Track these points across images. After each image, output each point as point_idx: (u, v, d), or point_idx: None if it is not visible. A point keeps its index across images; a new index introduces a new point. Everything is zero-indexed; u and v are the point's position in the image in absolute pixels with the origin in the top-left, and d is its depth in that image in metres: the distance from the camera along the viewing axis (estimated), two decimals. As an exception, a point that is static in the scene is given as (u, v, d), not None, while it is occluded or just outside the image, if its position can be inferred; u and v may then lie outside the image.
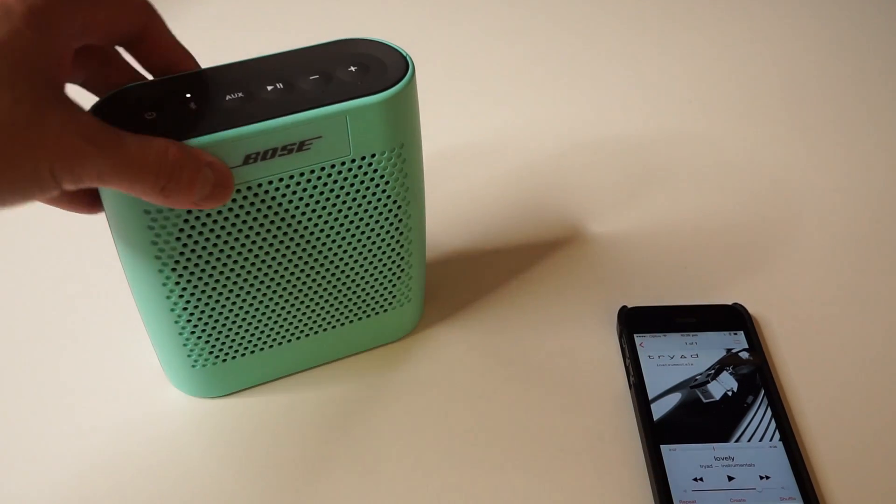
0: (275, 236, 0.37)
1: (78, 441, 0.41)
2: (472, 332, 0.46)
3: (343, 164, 0.36)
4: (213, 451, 0.40)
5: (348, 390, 0.43)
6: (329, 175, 0.36)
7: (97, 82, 0.35)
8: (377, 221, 0.39)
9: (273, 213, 0.36)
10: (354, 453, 0.40)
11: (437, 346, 0.45)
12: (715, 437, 0.39)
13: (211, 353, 0.40)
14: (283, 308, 0.40)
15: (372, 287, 0.42)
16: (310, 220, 0.37)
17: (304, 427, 0.41)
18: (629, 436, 0.40)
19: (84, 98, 0.35)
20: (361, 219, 0.38)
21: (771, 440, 0.39)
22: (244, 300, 0.38)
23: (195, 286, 0.37)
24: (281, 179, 0.35)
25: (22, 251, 0.52)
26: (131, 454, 0.40)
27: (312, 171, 0.35)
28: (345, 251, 0.39)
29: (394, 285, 0.42)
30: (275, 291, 0.39)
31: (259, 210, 0.35)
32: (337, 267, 0.40)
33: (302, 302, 0.40)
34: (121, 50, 0.35)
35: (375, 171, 0.37)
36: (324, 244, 0.38)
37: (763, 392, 0.41)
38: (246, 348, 0.41)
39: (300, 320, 0.41)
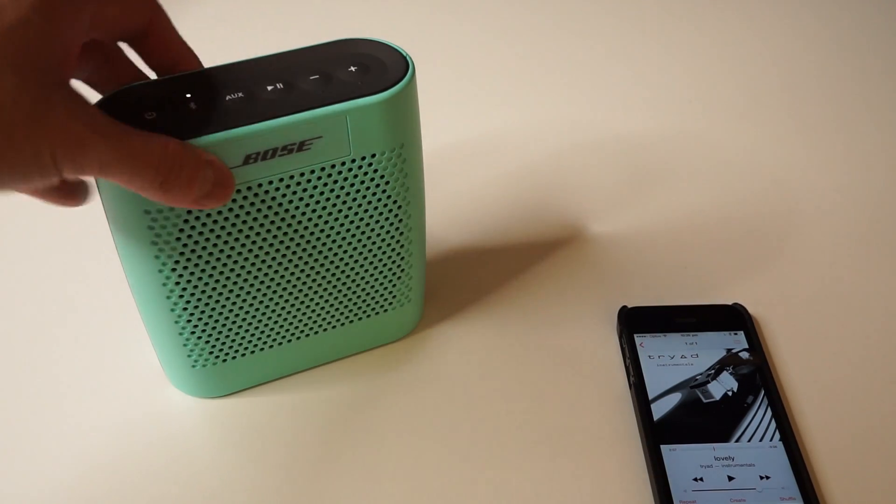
0: (275, 236, 0.37)
1: (78, 441, 0.41)
2: (472, 332, 0.46)
3: (343, 164, 0.36)
4: (213, 451, 0.40)
5: (348, 390, 0.43)
6: (329, 175, 0.36)
7: (100, 79, 0.35)
8: (377, 221, 0.39)
9: (273, 213, 0.36)
10: (355, 453, 0.40)
11: (437, 346, 0.45)
12: (715, 437, 0.39)
13: (211, 353, 0.40)
14: (283, 308, 0.40)
15: (372, 287, 0.42)
16: (310, 220, 0.37)
17: (305, 427, 0.41)
18: (629, 436, 0.40)
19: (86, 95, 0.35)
20: (361, 219, 0.38)
21: (771, 440, 0.39)
22: (244, 300, 0.38)
23: (195, 286, 0.37)
24: (281, 179, 0.35)
25: (22, 251, 0.52)
26: (131, 454, 0.40)
27: (312, 171, 0.35)
28: (345, 251, 0.39)
29: (394, 285, 0.42)
30: (275, 291, 0.39)
31: (259, 210, 0.35)
32: (337, 267, 0.40)
33: (302, 302, 0.40)
34: (124, 47, 0.35)
35: (375, 171, 0.37)
36: (324, 244, 0.38)
37: (763, 392, 0.41)
38: (246, 348, 0.41)
39: (300, 320, 0.41)
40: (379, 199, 0.38)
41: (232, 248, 0.36)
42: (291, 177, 0.35)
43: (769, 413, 0.40)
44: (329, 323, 0.42)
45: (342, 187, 0.37)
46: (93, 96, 0.34)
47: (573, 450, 0.40)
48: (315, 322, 0.42)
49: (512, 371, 0.44)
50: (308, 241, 0.38)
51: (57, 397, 0.43)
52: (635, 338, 0.44)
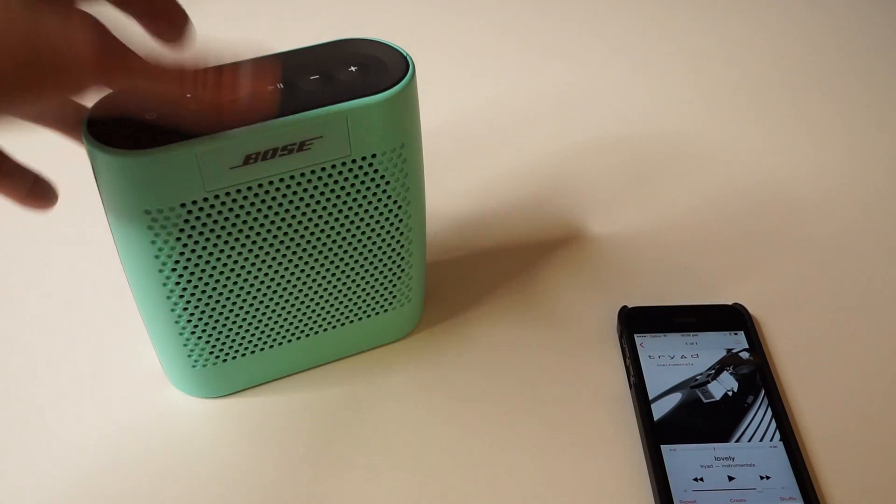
0: (275, 236, 0.37)
1: (78, 441, 0.41)
2: (471, 332, 0.46)
3: (343, 164, 0.36)
4: (213, 451, 0.40)
5: (348, 390, 0.43)
6: (329, 175, 0.36)
7: None
8: (377, 221, 0.39)
9: (273, 213, 0.36)
10: (355, 453, 0.40)
11: (437, 346, 0.45)
12: (715, 437, 0.39)
13: (211, 353, 0.40)
14: (283, 308, 0.40)
15: (372, 287, 0.42)
16: (310, 220, 0.37)
17: (305, 427, 0.41)
18: (629, 436, 0.40)
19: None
20: (361, 219, 0.38)
21: (771, 440, 0.39)
22: (244, 300, 0.38)
23: (195, 286, 0.37)
24: (281, 179, 0.35)
25: (22, 251, 0.52)
26: (131, 454, 0.40)
27: (312, 171, 0.35)
28: (345, 251, 0.39)
29: (394, 285, 0.42)
30: (275, 291, 0.39)
31: (259, 210, 0.35)
32: (337, 267, 0.40)
33: (302, 302, 0.40)
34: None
35: (375, 171, 0.37)
36: (324, 244, 0.38)
37: (763, 392, 0.41)
38: (246, 348, 0.41)
39: (300, 320, 0.41)
40: (379, 199, 0.38)
41: (232, 248, 0.36)
42: (291, 177, 0.35)
43: (769, 413, 0.40)
44: (329, 323, 0.42)
45: (342, 187, 0.37)
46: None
47: (573, 450, 0.40)
48: (315, 322, 0.41)
49: (512, 371, 0.44)
50: (308, 241, 0.38)
51: (57, 397, 0.43)
52: (635, 338, 0.44)
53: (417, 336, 0.46)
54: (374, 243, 0.40)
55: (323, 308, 0.41)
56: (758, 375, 0.42)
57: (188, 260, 0.35)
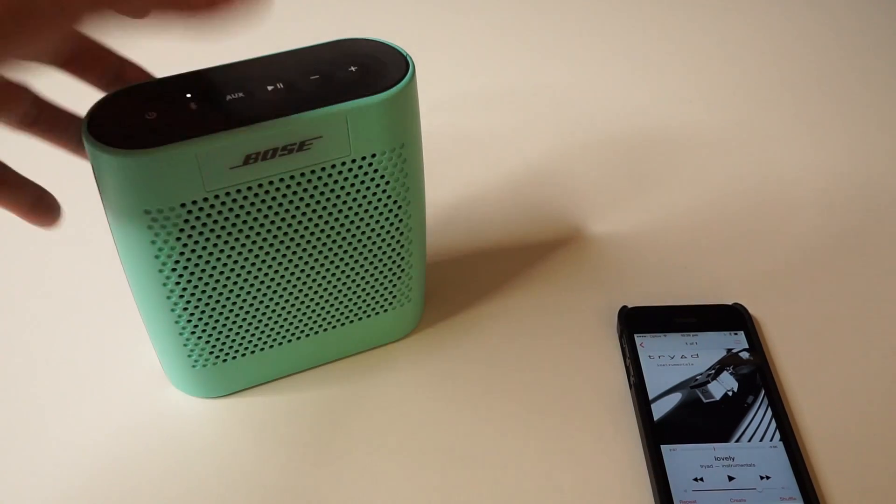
0: (275, 236, 0.37)
1: (78, 441, 0.41)
2: (471, 332, 0.46)
3: (343, 164, 0.36)
4: (213, 451, 0.40)
5: (348, 390, 0.43)
6: (329, 175, 0.36)
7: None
8: (377, 221, 0.39)
9: (273, 213, 0.36)
10: (355, 453, 0.40)
11: (437, 346, 0.45)
12: (715, 437, 0.39)
13: (211, 353, 0.40)
14: (283, 308, 0.40)
15: (372, 287, 0.42)
16: (310, 220, 0.37)
17: (305, 427, 0.41)
18: (629, 436, 0.40)
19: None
20: (361, 219, 0.38)
21: (771, 440, 0.39)
22: (244, 300, 0.38)
23: (195, 286, 0.37)
24: (281, 179, 0.35)
25: (22, 251, 0.52)
26: (131, 454, 0.40)
27: (312, 171, 0.35)
28: (345, 251, 0.39)
29: (394, 285, 0.42)
30: (275, 291, 0.39)
31: (259, 210, 0.35)
32: (337, 267, 0.40)
33: (302, 302, 0.40)
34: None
35: (375, 171, 0.37)
36: (324, 244, 0.38)
37: (763, 392, 0.41)
38: (246, 348, 0.41)
39: (300, 320, 0.41)
40: (379, 199, 0.38)
41: (232, 248, 0.36)
42: (291, 177, 0.35)
43: (769, 413, 0.40)
44: (329, 323, 0.42)
45: (342, 187, 0.37)
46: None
47: (573, 450, 0.40)
48: (315, 322, 0.42)
49: (511, 371, 0.44)
50: (308, 241, 0.38)
51: (57, 397, 0.43)
52: (635, 338, 0.44)
53: (418, 336, 0.46)
54: (374, 243, 0.40)
55: (323, 308, 0.41)
56: (758, 375, 0.42)
57: (188, 260, 0.35)
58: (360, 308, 0.42)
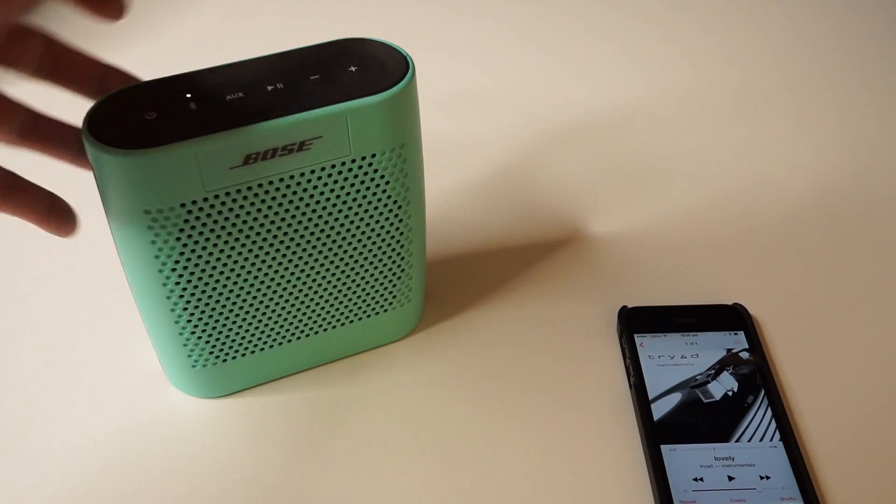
0: (275, 236, 0.37)
1: (78, 441, 0.41)
2: (471, 332, 0.46)
3: (343, 164, 0.36)
4: (213, 451, 0.40)
5: (348, 390, 0.43)
6: (329, 175, 0.36)
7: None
8: (377, 221, 0.39)
9: (273, 213, 0.36)
10: (355, 453, 0.40)
11: (436, 346, 0.45)
12: (715, 437, 0.39)
13: (211, 353, 0.40)
14: (283, 308, 0.40)
15: (372, 287, 0.42)
16: (310, 220, 0.37)
17: (305, 427, 0.41)
18: (629, 436, 0.40)
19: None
20: (361, 219, 0.38)
21: (771, 440, 0.39)
22: (244, 300, 0.38)
23: (195, 286, 0.37)
24: (281, 179, 0.35)
25: (22, 251, 0.52)
26: (131, 454, 0.40)
27: (312, 171, 0.35)
28: (345, 251, 0.39)
29: (394, 285, 0.42)
30: (275, 291, 0.39)
31: (259, 210, 0.35)
32: (337, 267, 0.40)
33: (302, 302, 0.40)
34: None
35: (375, 171, 0.37)
36: (324, 244, 0.38)
37: (763, 392, 0.41)
38: (246, 348, 0.41)
39: (300, 320, 0.41)
40: (379, 199, 0.38)
41: (232, 248, 0.36)
42: (291, 177, 0.35)
43: (769, 413, 0.40)
44: (329, 323, 0.42)
45: (342, 187, 0.37)
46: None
47: (573, 450, 0.40)
48: (315, 322, 0.42)
49: (512, 371, 0.44)
50: (308, 241, 0.38)
51: (57, 397, 0.43)
52: (635, 338, 0.44)
53: (417, 336, 0.46)
54: (374, 243, 0.40)
55: (323, 308, 0.41)
56: (758, 375, 0.42)
57: (188, 260, 0.35)
58: (359, 308, 0.42)
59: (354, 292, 0.41)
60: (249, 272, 0.37)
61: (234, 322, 0.39)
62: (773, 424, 0.40)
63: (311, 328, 0.42)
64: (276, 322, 0.40)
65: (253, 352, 0.41)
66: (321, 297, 0.40)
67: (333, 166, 0.36)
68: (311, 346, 0.43)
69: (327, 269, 0.39)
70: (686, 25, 0.74)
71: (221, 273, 0.37)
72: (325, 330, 0.42)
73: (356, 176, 0.36)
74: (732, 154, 0.59)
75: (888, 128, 0.61)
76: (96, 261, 0.50)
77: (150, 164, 0.32)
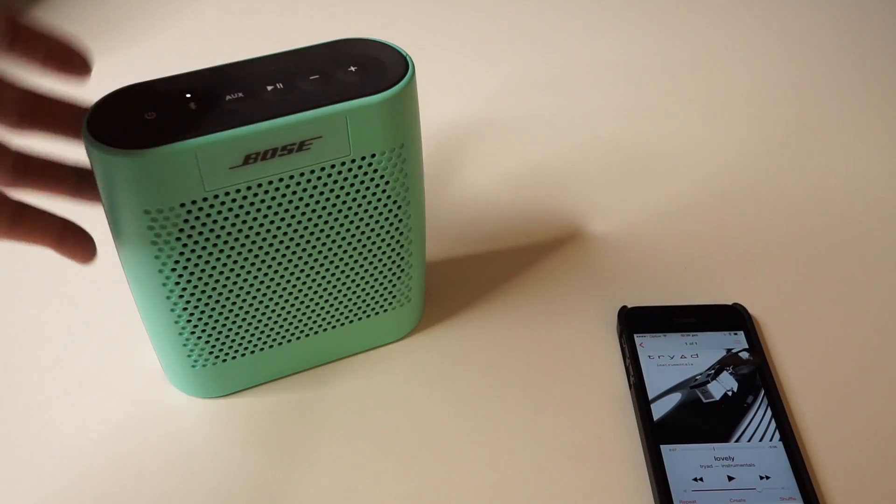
0: (275, 236, 0.37)
1: (77, 441, 0.41)
2: (471, 332, 0.46)
3: (343, 164, 0.36)
4: (212, 450, 0.40)
5: (348, 390, 0.43)
6: (329, 175, 0.36)
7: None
8: (377, 221, 0.39)
9: (273, 213, 0.36)
10: (354, 453, 0.40)
11: (436, 346, 0.45)
12: (715, 437, 0.39)
13: (211, 353, 0.40)
14: (283, 308, 0.40)
15: (372, 287, 0.42)
16: (310, 220, 0.37)
17: (304, 427, 0.41)
18: (629, 436, 0.40)
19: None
20: (361, 219, 0.38)
21: (771, 440, 0.39)
22: (244, 300, 0.38)
23: (195, 286, 0.37)
24: (281, 179, 0.35)
25: (21, 251, 0.52)
26: (131, 454, 0.40)
27: (312, 171, 0.35)
28: (345, 251, 0.39)
29: (394, 285, 0.42)
30: (275, 291, 0.39)
31: (259, 210, 0.35)
32: (337, 267, 0.40)
33: (302, 302, 0.40)
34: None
35: (375, 171, 0.37)
36: (324, 244, 0.38)
37: (763, 392, 0.41)
38: (246, 348, 0.41)
39: (300, 320, 0.41)
40: (379, 199, 0.38)
41: (232, 248, 0.36)
42: (291, 177, 0.35)
43: (769, 413, 0.40)
44: (329, 323, 0.42)
45: (342, 187, 0.37)
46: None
47: (573, 450, 0.40)
48: (315, 322, 0.42)
49: (512, 371, 0.44)
50: (308, 241, 0.38)
51: (57, 397, 0.43)
52: (635, 338, 0.44)
53: (417, 336, 0.46)
54: (374, 243, 0.40)
55: (323, 308, 0.41)
56: (757, 375, 0.42)
57: (188, 260, 0.35)
58: (359, 308, 0.42)
59: (354, 292, 0.41)
60: (249, 272, 0.37)
61: (234, 322, 0.39)
62: (773, 424, 0.40)
63: (311, 328, 0.42)
64: (275, 322, 0.40)
65: (253, 352, 0.41)
66: (321, 297, 0.40)
67: (333, 166, 0.36)
68: (310, 346, 0.43)
69: (327, 269, 0.39)
70: (688, 25, 0.74)
71: (221, 273, 0.37)
72: (325, 330, 0.42)
73: (356, 176, 0.36)
74: (733, 154, 0.59)
75: (887, 127, 0.61)
76: (97, 261, 0.50)
77: (149, 164, 0.32)
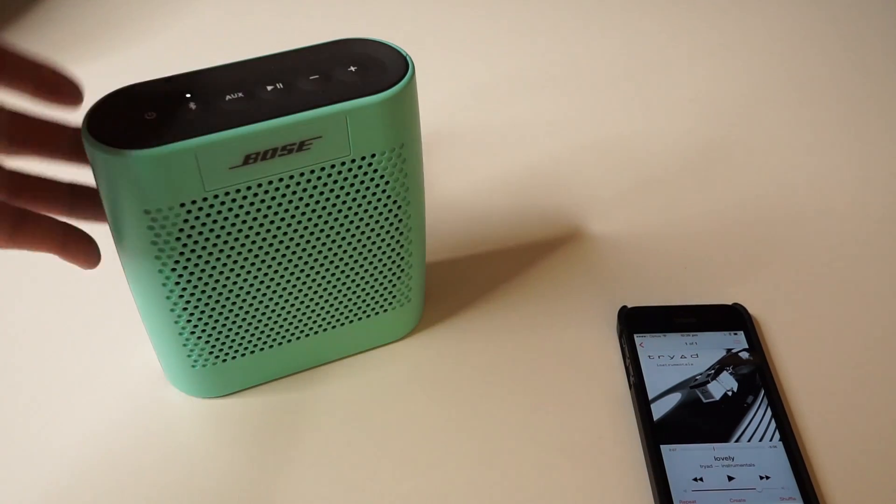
0: (274, 236, 0.37)
1: (77, 441, 0.41)
2: (471, 332, 0.46)
3: (343, 164, 0.36)
4: (212, 450, 0.40)
5: (348, 390, 0.43)
6: (329, 175, 0.36)
7: None
8: (377, 221, 0.39)
9: (273, 213, 0.36)
10: (354, 453, 0.40)
11: (436, 346, 0.45)
12: (715, 437, 0.39)
13: (211, 353, 0.40)
14: (282, 308, 0.40)
15: (372, 287, 0.42)
16: (310, 220, 0.37)
17: (304, 427, 0.41)
18: (629, 436, 0.40)
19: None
20: (361, 219, 0.38)
21: (771, 440, 0.39)
22: (244, 300, 0.38)
23: (195, 286, 0.37)
24: (281, 179, 0.35)
25: (21, 251, 0.52)
26: (131, 454, 0.40)
27: (312, 171, 0.35)
28: (345, 251, 0.39)
29: (394, 285, 0.42)
30: (275, 291, 0.39)
31: (259, 210, 0.35)
32: (337, 267, 0.40)
33: (302, 302, 0.40)
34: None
35: (375, 171, 0.37)
36: (324, 244, 0.38)
37: (763, 392, 0.41)
38: (246, 348, 0.41)
39: (300, 320, 0.41)
40: (379, 199, 0.38)
41: (232, 248, 0.36)
42: (291, 177, 0.35)
43: (769, 413, 0.40)
44: (329, 323, 0.42)
45: (342, 187, 0.37)
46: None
47: (573, 450, 0.40)
48: (315, 322, 0.42)
49: (512, 371, 0.44)
50: (308, 241, 0.38)
51: (57, 397, 0.43)
52: (635, 338, 0.44)
53: (417, 336, 0.46)
54: (374, 243, 0.40)
55: (323, 308, 0.41)
56: (757, 375, 0.42)
57: (188, 260, 0.35)
58: (359, 308, 0.42)
59: (354, 292, 0.41)
60: (249, 272, 0.37)
61: (234, 322, 0.39)
62: (773, 424, 0.40)
63: (311, 328, 0.42)
64: (275, 322, 0.40)
65: (253, 352, 0.41)
66: (321, 296, 0.40)
67: (333, 166, 0.36)
68: (310, 346, 0.43)
69: (327, 269, 0.39)
70: (689, 25, 0.74)
71: (221, 273, 0.37)
72: (325, 330, 0.42)
73: (356, 176, 0.36)
74: (733, 154, 0.59)
75: (888, 128, 0.61)
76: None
77: (149, 164, 0.32)
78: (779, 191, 0.56)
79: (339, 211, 0.37)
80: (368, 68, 0.36)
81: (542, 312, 0.47)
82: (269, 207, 0.36)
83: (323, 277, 0.40)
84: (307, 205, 0.36)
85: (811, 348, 0.45)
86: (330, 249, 0.39)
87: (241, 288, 0.38)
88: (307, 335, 0.42)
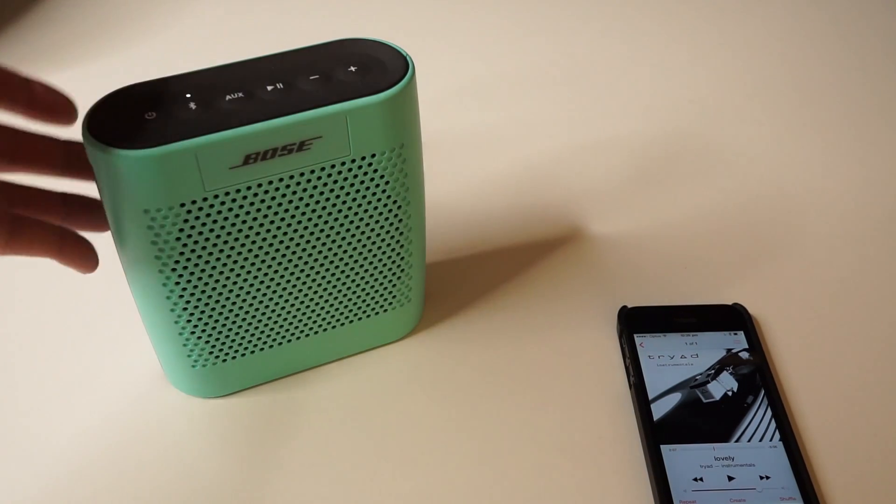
0: (274, 236, 0.37)
1: (77, 440, 0.41)
2: (471, 332, 0.46)
3: (343, 164, 0.36)
4: (212, 450, 0.40)
5: (348, 390, 0.43)
6: (329, 175, 0.36)
7: None
8: (377, 221, 0.39)
9: (273, 213, 0.36)
10: (354, 453, 0.40)
11: (436, 346, 0.45)
12: (715, 437, 0.39)
13: (211, 353, 0.40)
14: (282, 308, 0.40)
15: (372, 287, 0.42)
16: (310, 220, 0.37)
17: (304, 427, 0.41)
18: (629, 436, 0.40)
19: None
20: (361, 219, 0.38)
21: (771, 440, 0.39)
22: (244, 300, 0.38)
23: (195, 286, 0.37)
24: (281, 179, 0.35)
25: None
26: (130, 454, 0.40)
27: (312, 171, 0.35)
28: (345, 251, 0.39)
29: (394, 285, 0.42)
30: (275, 291, 0.39)
31: (259, 210, 0.35)
32: (337, 267, 0.40)
33: (302, 302, 0.40)
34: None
35: (375, 171, 0.37)
36: (324, 244, 0.38)
37: (763, 392, 0.41)
38: (246, 348, 0.41)
39: (300, 320, 0.41)
40: (379, 199, 0.38)
41: (232, 248, 0.36)
42: (291, 177, 0.35)
43: (769, 413, 0.40)
44: (329, 323, 0.42)
45: (342, 187, 0.37)
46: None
47: (573, 450, 0.40)
48: (315, 322, 0.42)
49: (512, 371, 0.44)
50: (308, 241, 0.38)
51: (57, 396, 0.43)
52: (635, 338, 0.44)
53: (417, 336, 0.46)
54: (374, 243, 0.40)
55: (322, 308, 0.41)
56: (757, 375, 0.42)
57: (188, 260, 0.35)
58: (359, 308, 0.42)
59: (354, 292, 0.41)
60: (249, 272, 0.37)
61: (234, 322, 0.39)
62: (773, 424, 0.40)
63: (311, 328, 0.42)
64: (275, 322, 0.40)
65: (253, 352, 0.41)
66: (321, 297, 0.40)
67: (333, 166, 0.36)
68: (310, 346, 0.43)
69: (327, 269, 0.39)
70: (689, 25, 0.74)
71: (221, 273, 0.37)
72: (325, 330, 0.42)
73: (356, 176, 0.36)
74: (733, 154, 0.59)
75: (889, 127, 0.61)
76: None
77: (149, 163, 0.32)
78: (779, 191, 0.56)
79: (339, 211, 0.37)
80: (368, 68, 0.36)
81: (542, 313, 0.47)
82: (269, 207, 0.36)
83: (323, 277, 0.40)
84: (307, 205, 0.36)
85: (811, 348, 0.45)
86: (330, 249, 0.39)
87: (241, 288, 0.38)
88: (307, 335, 0.42)
